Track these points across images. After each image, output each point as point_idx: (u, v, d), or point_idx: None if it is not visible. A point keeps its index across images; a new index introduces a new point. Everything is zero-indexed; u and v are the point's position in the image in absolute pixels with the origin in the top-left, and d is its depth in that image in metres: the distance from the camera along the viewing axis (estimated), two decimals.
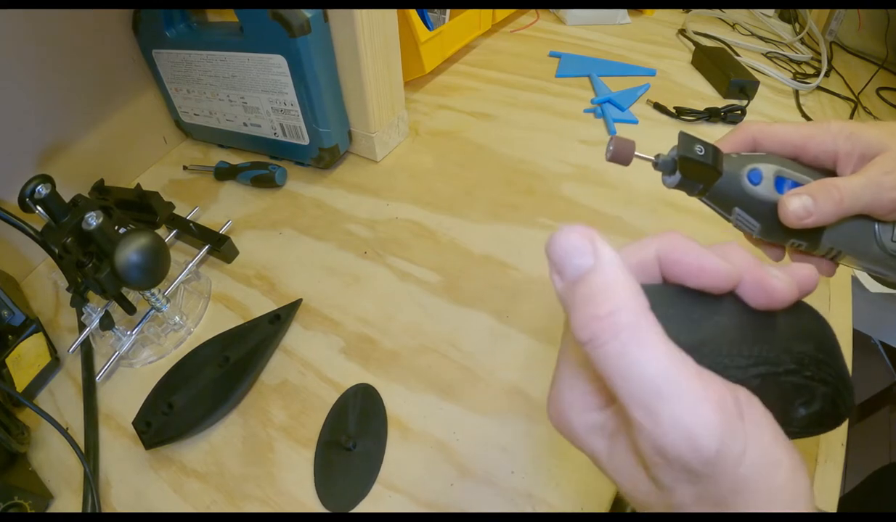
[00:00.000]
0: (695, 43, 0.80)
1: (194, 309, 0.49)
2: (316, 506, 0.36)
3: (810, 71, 0.77)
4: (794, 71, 0.77)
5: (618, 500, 0.34)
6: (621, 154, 0.27)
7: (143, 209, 0.55)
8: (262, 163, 0.61)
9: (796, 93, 0.71)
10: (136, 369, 0.46)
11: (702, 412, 0.14)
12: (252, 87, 0.56)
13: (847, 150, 0.28)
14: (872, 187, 0.26)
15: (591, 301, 0.14)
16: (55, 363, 0.47)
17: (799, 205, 0.26)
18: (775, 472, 0.15)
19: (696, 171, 0.27)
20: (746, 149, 0.30)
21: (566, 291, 0.15)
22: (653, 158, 0.28)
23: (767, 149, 0.29)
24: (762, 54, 0.80)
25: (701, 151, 0.27)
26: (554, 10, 0.91)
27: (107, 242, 0.40)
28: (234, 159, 0.64)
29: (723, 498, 0.15)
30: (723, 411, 0.14)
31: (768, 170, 0.28)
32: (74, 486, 0.39)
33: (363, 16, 0.50)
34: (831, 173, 0.29)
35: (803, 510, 0.15)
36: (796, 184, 0.28)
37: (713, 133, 0.64)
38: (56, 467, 0.40)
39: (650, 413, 0.14)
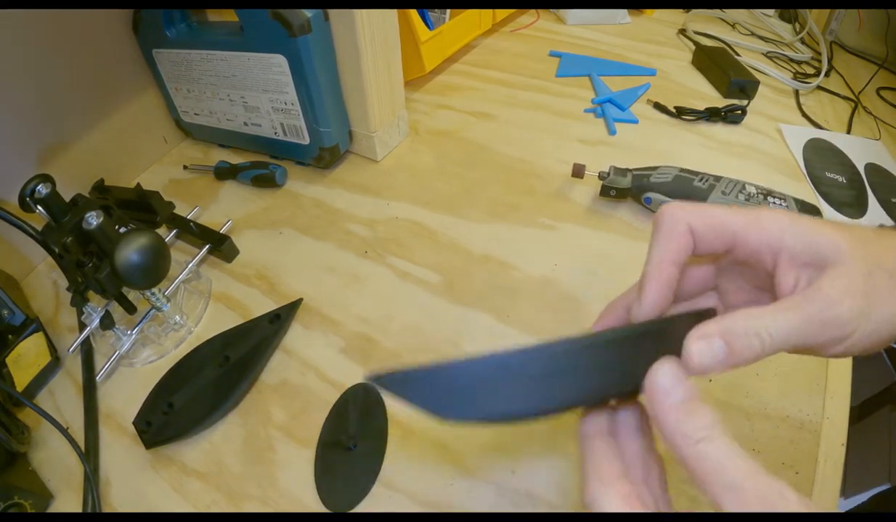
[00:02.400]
0: (695, 43, 0.80)
1: (194, 309, 0.49)
2: (316, 506, 0.36)
3: (810, 70, 0.77)
4: (794, 70, 0.77)
5: None
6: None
7: (143, 208, 0.55)
8: (262, 162, 0.61)
9: (796, 92, 0.71)
10: (136, 369, 0.46)
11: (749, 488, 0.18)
12: (252, 87, 0.56)
13: (793, 251, 0.22)
14: (813, 326, 0.21)
15: (693, 413, 0.19)
16: (55, 362, 0.47)
17: (707, 353, 0.21)
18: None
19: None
20: (685, 244, 0.24)
21: (666, 410, 0.20)
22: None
23: (703, 241, 0.24)
24: (762, 54, 0.80)
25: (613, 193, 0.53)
26: (554, 10, 0.91)
27: (107, 242, 0.40)
28: (235, 159, 0.64)
29: None
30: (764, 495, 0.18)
31: (657, 197, 0.51)
32: (74, 486, 0.39)
33: (363, 16, 0.50)
34: (767, 275, 0.24)
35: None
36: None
37: (713, 132, 0.64)
38: (56, 467, 0.40)
39: (728, 492, 0.18)
